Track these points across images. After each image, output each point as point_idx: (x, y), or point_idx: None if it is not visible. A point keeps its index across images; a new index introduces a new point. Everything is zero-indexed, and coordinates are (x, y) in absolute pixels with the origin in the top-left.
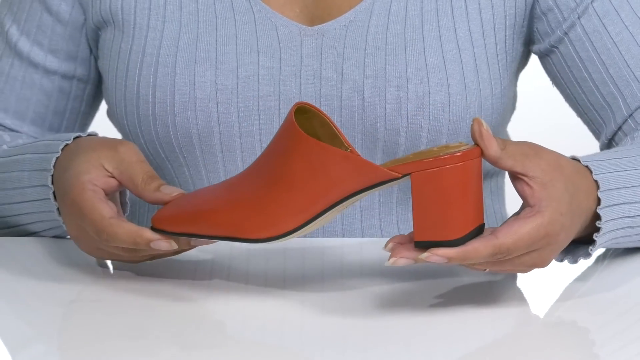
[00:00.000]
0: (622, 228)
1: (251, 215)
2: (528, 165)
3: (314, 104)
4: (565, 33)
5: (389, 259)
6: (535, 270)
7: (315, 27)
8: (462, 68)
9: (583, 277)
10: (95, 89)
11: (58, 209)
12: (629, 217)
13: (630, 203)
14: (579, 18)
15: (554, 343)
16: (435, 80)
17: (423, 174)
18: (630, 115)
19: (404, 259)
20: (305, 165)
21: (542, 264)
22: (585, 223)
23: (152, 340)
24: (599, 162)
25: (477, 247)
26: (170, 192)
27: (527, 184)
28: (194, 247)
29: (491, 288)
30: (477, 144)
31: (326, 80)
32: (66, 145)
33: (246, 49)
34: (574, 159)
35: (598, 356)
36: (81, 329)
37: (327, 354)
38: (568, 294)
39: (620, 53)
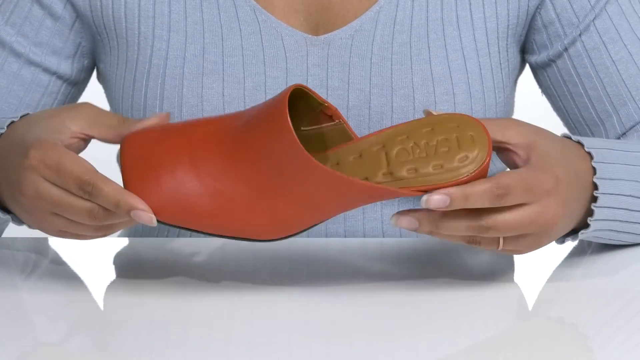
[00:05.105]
0: (618, 208)
1: (262, 218)
2: (508, 133)
3: None
4: (566, 48)
5: (391, 219)
6: (533, 259)
7: (321, 37)
8: (468, 77)
9: (578, 265)
10: (71, 90)
11: None
12: (623, 195)
13: (625, 180)
14: (580, 34)
15: (551, 334)
16: (441, 89)
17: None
18: (624, 133)
19: (408, 217)
20: (316, 188)
21: (553, 219)
22: (585, 194)
23: (156, 341)
24: (590, 139)
25: (476, 183)
26: (150, 117)
27: (512, 151)
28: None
29: (490, 282)
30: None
31: (332, 90)
32: (12, 122)
33: (252, 59)
34: (565, 136)
35: (592, 348)
36: (87, 326)
37: (332, 351)
38: (565, 286)
39: (619, 72)
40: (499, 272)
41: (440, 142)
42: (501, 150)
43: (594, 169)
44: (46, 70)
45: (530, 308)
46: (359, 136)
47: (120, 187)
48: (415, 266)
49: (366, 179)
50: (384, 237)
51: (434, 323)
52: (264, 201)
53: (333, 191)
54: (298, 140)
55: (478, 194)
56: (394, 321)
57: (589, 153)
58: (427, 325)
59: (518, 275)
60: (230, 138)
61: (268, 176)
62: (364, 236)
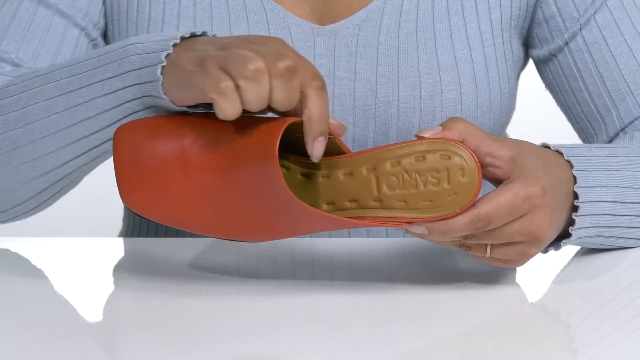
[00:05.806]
0: (602, 214)
1: (256, 225)
2: (494, 145)
3: None
4: (566, 43)
5: None
6: (536, 260)
7: (328, 27)
8: (473, 67)
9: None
10: None
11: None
12: (606, 201)
13: (607, 187)
14: (580, 29)
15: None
16: (447, 79)
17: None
18: (623, 129)
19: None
20: (300, 224)
21: (539, 230)
22: (567, 202)
23: (156, 341)
24: (570, 147)
25: (456, 218)
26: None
27: (495, 165)
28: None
29: (491, 283)
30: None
31: (339, 80)
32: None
33: None
34: (544, 145)
35: (580, 346)
36: (85, 327)
37: (333, 351)
38: (558, 285)
39: (618, 67)
40: (501, 272)
41: (431, 175)
42: (485, 164)
43: (575, 178)
44: (87, 34)
45: (532, 309)
46: (360, 131)
47: None
48: (417, 266)
49: (355, 201)
50: (387, 237)
51: (437, 323)
52: (255, 211)
53: (317, 226)
54: (286, 185)
55: (457, 229)
56: (396, 321)
57: (569, 161)
58: (429, 325)
59: (520, 276)
60: (221, 155)
61: (254, 200)
62: (368, 236)
